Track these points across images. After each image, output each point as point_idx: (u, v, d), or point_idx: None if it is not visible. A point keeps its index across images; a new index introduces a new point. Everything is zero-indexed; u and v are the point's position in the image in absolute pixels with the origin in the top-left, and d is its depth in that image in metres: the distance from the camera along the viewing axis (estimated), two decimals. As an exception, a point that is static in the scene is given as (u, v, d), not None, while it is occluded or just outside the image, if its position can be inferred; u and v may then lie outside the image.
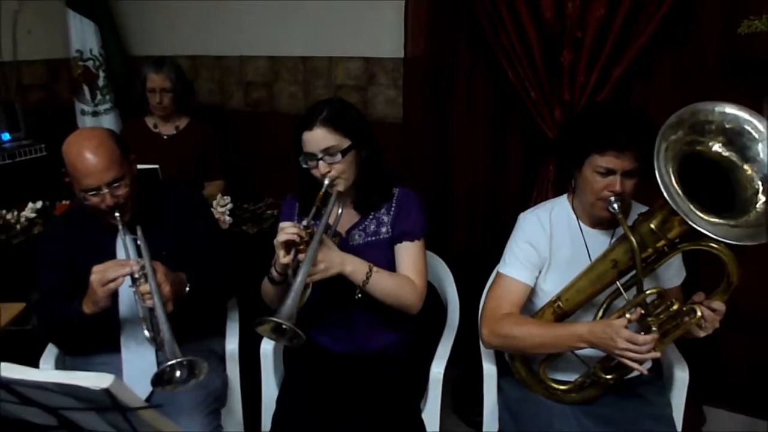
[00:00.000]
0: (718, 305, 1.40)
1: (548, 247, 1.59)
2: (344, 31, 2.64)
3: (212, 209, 2.19)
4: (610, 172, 1.44)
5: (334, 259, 1.54)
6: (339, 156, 1.58)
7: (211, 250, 1.76)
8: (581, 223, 1.59)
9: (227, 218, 2.28)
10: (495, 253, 1.70)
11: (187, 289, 1.62)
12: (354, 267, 1.58)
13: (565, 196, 1.65)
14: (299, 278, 1.42)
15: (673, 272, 1.58)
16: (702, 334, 1.43)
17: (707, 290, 1.42)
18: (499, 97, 2.31)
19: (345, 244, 1.68)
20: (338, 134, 1.58)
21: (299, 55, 2.81)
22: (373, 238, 1.70)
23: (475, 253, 2.32)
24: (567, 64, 2.04)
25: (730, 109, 1.32)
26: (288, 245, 1.48)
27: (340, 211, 1.65)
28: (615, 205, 1.43)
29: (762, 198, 1.29)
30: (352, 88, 2.67)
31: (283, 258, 1.49)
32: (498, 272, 1.65)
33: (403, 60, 2.45)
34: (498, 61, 2.17)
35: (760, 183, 1.30)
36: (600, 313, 1.50)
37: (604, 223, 1.55)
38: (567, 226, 1.60)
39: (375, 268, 1.59)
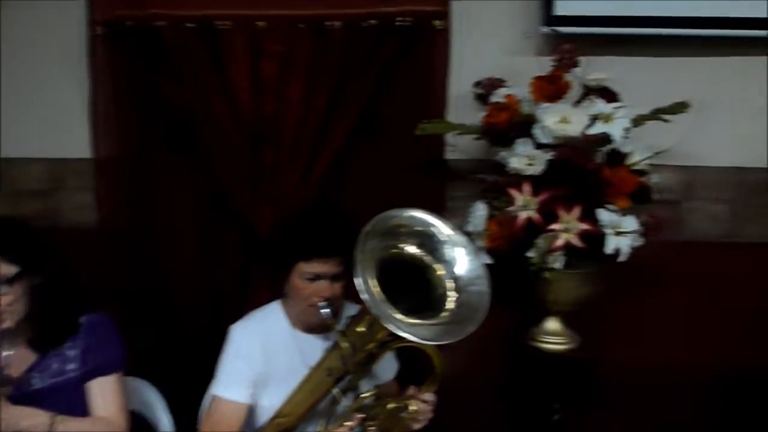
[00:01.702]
0: (429, 396, 1.47)
1: (263, 359, 1.51)
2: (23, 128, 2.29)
3: None
4: (318, 277, 1.43)
5: (3, 417, 1.25)
6: (4, 287, 1.31)
7: None
8: (296, 330, 1.55)
9: None
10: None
11: None
12: (31, 421, 1.32)
13: (278, 302, 1.60)
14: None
15: (385, 366, 1.62)
16: (417, 426, 1.47)
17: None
18: (207, 197, 2.20)
19: (22, 392, 1.38)
20: (2, 260, 1.32)
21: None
22: (58, 378, 1.44)
23: (194, 369, 2.12)
24: (270, 163, 2.04)
25: (418, 214, 1.42)
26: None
27: (9, 352, 1.36)
28: (326, 311, 1.42)
29: (452, 296, 1.39)
30: (32, 193, 2.31)
31: None
32: (212, 394, 1.51)
33: (93, 160, 2.20)
34: (201, 160, 2.09)
35: (449, 282, 1.40)
36: (323, 424, 1.45)
37: (319, 328, 1.53)
38: (281, 335, 1.55)
39: (59, 417, 1.35)
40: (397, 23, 2.00)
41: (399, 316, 1.30)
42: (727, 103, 2.09)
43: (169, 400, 1.78)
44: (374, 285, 1.29)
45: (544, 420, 2.00)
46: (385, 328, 1.34)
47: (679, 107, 1.81)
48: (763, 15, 1.99)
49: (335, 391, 1.43)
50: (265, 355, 1.51)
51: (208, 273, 2.23)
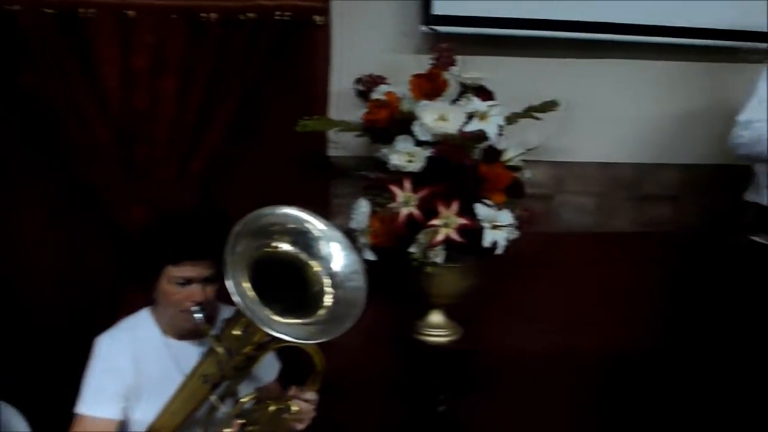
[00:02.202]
0: (311, 395, 1.44)
1: (133, 371, 1.42)
2: None
3: None
4: (189, 281, 1.37)
5: None
6: None
7: None
8: (168, 338, 1.48)
9: None
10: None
11: None
12: None
13: (148, 309, 1.51)
14: None
15: (266, 367, 1.58)
16: (300, 426, 1.45)
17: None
18: (74, 198, 2.04)
19: None
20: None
21: None
22: None
23: (61, 388, 1.96)
24: (142, 160, 1.93)
25: (291, 211, 1.39)
26: None
27: None
28: (199, 316, 1.36)
29: (330, 292, 1.37)
30: None
31: None
32: (76, 413, 1.40)
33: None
34: (64, 157, 1.94)
35: (326, 279, 1.38)
36: (200, 432, 1.39)
37: (192, 333, 1.47)
38: (152, 344, 1.46)
39: None
40: (276, 17, 1.94)
41: (275, 317, 1.27)
42: (594, 102, 2.22)
43: (34, 424, 1.64)
44: (247, 287, 1.25)
45: (430, 412, 2.03)
46: (262, 330, 1.30)
47: (550, 106, 1.90)
48: (628, 21, 2.14)
49: (212, 398, 1.38)
50: (135, 366, 1.42)
51: (73, 282, 2.07)
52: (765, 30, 2.20)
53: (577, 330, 2.28)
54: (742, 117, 1.89)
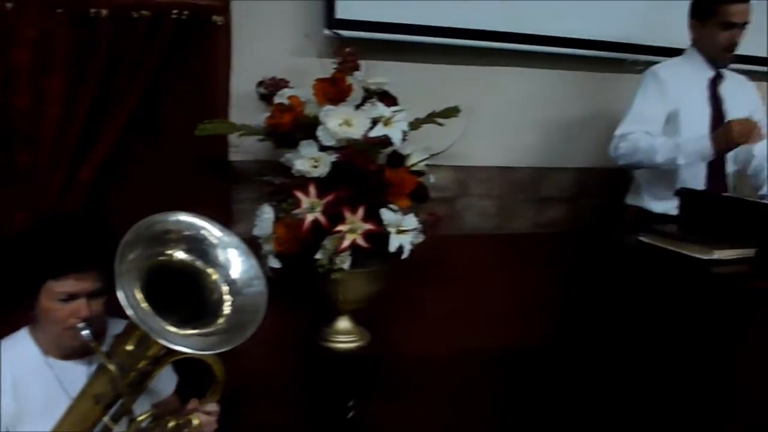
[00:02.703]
0: (213, 407, 1.39)
1: (12, 396, 1.30)
2: None
3: None
4: (72, 296, 1.27)
5: None
6: None
7: None
8: (50, 358, 1.36)
9: None
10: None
11: None
12: None
13: (26, 329, 1.39)
14: None
15: (163, 381, 1.50)
16: (199, 440, 1.39)
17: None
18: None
19: None
20: None
21: None
22: None
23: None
24: (24, 164, 1.78)
25: (186, 217, 1.33)
26: None
27: None
28: (86, 332, 1.27)
29: (228, 300, 1.32)
30: None
31: None
32: (-53, 445, 1.27)
33: None
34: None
35: (224, 286, 1.33)
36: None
37: (79, 352, 1.36)
38: (32, 366, 1.34)
39: None
40: (173, 16, 1.86)
41: (171, 328, 1.21)
42: (495, 108, 2.29)
43: None
44: (140, 298, 1.18)
45: (339, 419, 2.02)
46: (157, 343, 1.23)
47: (452, 112, 1.93)
48: (526, 31, 2.22)
49: (106, 419, 1.29)
50: (14, 392, 1.30)
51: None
52: (647, 44, 2.37)
53: (482, 329, 2.35)
54: (619, 131, 2.01)
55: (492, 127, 2.29)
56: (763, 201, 1.83)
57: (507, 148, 2.36)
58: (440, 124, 1.94)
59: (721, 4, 1.92)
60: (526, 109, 2.36)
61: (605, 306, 1.96)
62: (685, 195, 1.75)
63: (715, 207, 1.68)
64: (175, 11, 1.86)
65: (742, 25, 1.92)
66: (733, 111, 2.02)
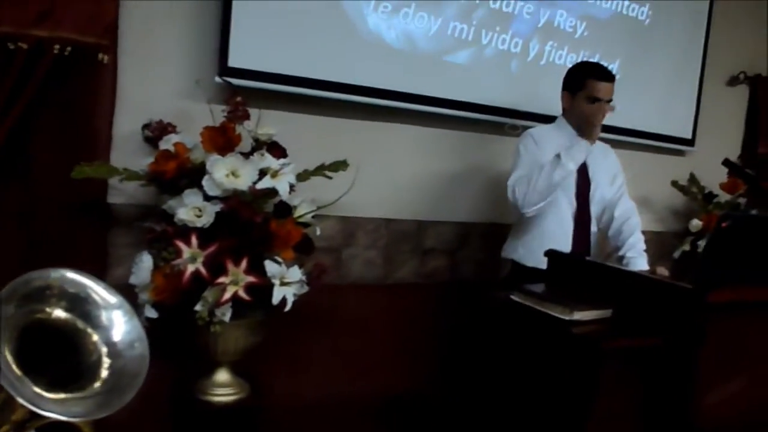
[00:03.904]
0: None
1: None
2: None
3: None
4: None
5: None
6: None
7: None
8: None
9: None
10: None
11: None
12: None
13: None
14: None
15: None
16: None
17: None
18: None
19: None
20: None
21: None
22: None
23: None
24: None
25: (70, 274, 1.27)
26: None
27: None
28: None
29: (107, 363, 1.26)
30: None
31: None
32: None
33: None
34: None
35: (104, 348, 1.27)
36: None
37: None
38: None
39: None
40: (55, 51, 1.79)
41: (41, 392, 1.13)
42: (382, 162, 2.37)
43: None
44: (9, 358, 1.10)
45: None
46: (24, 407, 1.15)
47: (340, 165, 1.98)
48: (413, 91, 2.33)
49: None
50: None
51: None
52: (525, 110, 2.56)
53: (365, 377, 2.37)
54: (511, 180, 2.14)
55: (379, 179, 2.36)
56: (618, 266, 2.02)
57: (393, 200, 2.44)
58: (329, 177, 1.98)
59: (589, 80, 2.12)
60: (412, 163, 2.46)
61: (480, 358, 2.04)
62: (552, 256, 1.89)
63: (577, 269, 1.83)
64: (56, 47, 1.79)
65: (607, 102, 2.13)
66: (598, 175, 2.22)
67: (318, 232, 1.96)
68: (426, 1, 2.33)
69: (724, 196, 3.06)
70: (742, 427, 1.64)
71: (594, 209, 2.23)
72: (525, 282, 1.82)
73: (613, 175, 2.29)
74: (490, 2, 2.46)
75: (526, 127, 2.37)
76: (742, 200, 3.05)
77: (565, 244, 2.16)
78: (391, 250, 2.46)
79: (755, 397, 1.64)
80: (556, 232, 2.17)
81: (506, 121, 2.54)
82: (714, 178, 3.01)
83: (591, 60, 2.63)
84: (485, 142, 2.57)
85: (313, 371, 2.29)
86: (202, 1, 2.04)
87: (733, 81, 3.39)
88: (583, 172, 2.19)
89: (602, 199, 2.24)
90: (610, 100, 2.13)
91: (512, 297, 1.71)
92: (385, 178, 2.38)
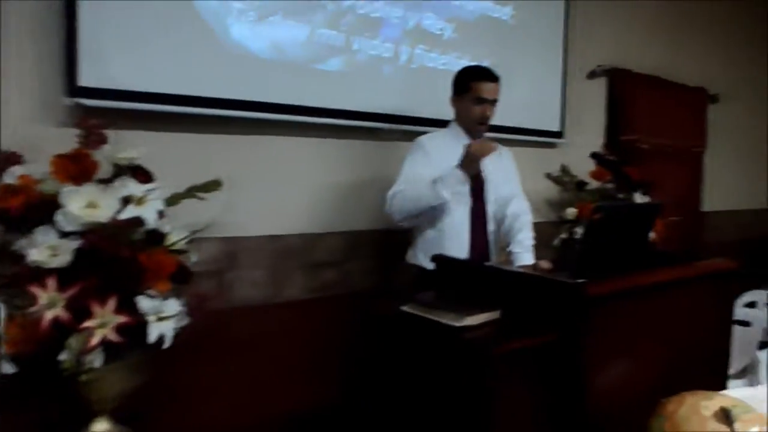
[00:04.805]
0: None
1: None
2: None
3: None
4: None
5: None
6: None
7: None
8: None
9: None
10: None
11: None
12: None
13: None
14: None
15: None
16: None
17: None
18: None
19: None
20: None
21: None
22: None
23: None
24: None
25: None
26: None
27: None
28: None
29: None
30: None
31: None
32: None
33: None
34: None
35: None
36: None
37: None
38: None
39: None
40: None
41: None
42: (263, 178, 2.27)
43: None
44: None
45: None
46: None
47: (213, 185, 1.85)
48: (274, 101, 2.24)
49: None
50: None
51: None
52: (400, 114, 2.56)
53: (266, 400, 2.26)
54: (391, 192, 2.13)
55: (261, 195, 2.27)
56: (502, 266, 2.05)
57: (277, 216, 2.35)
58: (201, 199, 1.86)
59: (474, 82, 2.16)
60: (297, 176, 2.39)
61: (380, 371, 2.01)
62: (439, 261, 1.88)
63: (465, 273, 1.84)
64: None
65: (492, 102, 2.17)
66: (493, 174, 2.26)
67: (194, 259, 1.83)
68: (293, 9, 2.26)
69: (594, 184, 3.23)
70: (631, 405, 1.72)
71: (490, 208, 2.27)
72: (430, 286, 1.82)
73: (507, 175, 2.34)
74: (358, 8, 2.43)
75: (408, 132, 2.37)
76: (609, 185, 3.24)
77: (463, 245, 2.19)
78: (278, 267, 2.37)
79: (637, 375, 1.72)
80: (453, 234, 2.19)
81: (382, 127, 2.53)
82: (584, 166, 3.17)
83: (461, 60, 2.68)
84: (373, 149, 2.55)
85: (212, 402, 2.16)
86: (46, 16, 1.85)
87: (592, 74, 3.60)
88: (477, 173, 2.22)
89: (497, 198, 2.29)
90: (496, 100, 2.18)
91: (403, 308, 1.68)
92: (268, 193, 2.29)
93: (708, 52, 4.43)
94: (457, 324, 1.54)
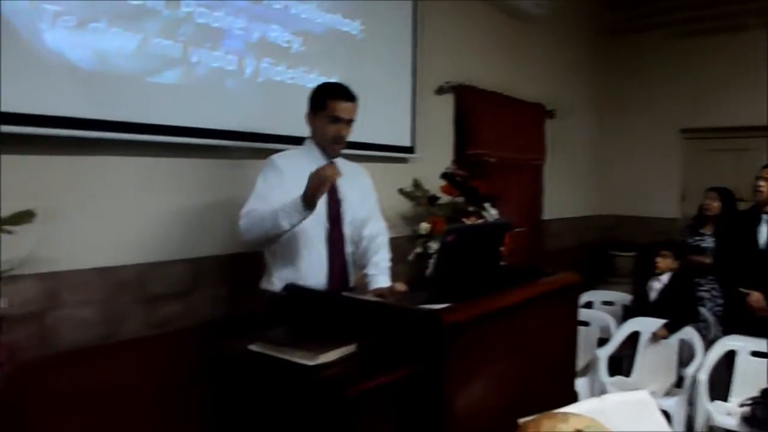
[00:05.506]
0: None
1: None
2: None
3: None
4: None
5: None
6: None
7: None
8: None
9: None
10: None
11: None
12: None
13: None
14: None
15: None
16: None
17: None
18: None
19: None
20: None
21: None
22: None
23: None
24: None
25: None
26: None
27: None
28: None
29: None
30: None
31: None
32: None
33: None
34: None
35: None
36: None
37: None
38: None
39: None
40: None
41: None
42: (88, 203, 2.01)
43: None
44: None
45: None
46: None
47: (24, 216, 1.61)
48: (99, 117, 2.00)
49: None
50: None
51: None
52: (248, 131, 2.41)
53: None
54: (243, 210, 1.98)
55: (88, 223, 2.01)
56: (356, 296, 1.97)
57: (107, 246, 2.09)
58: (9, 232, 1.59)
59: (330, 100, 2.06)
60: (127, 201, 2.14)
61: (231, 415, 1.84)
62: (292, 291, 1.76)
63: (318, 303, 1.73)
64: None
65: (348, 121, 2.09)
66: (349, 195, 2.16)
67: (3, 304, 1.56)
68: (120, 15, 2.03)
69: (446, 198, 3.28)
70: (491, 429, 1.71)
71: (347, 230, 2.17)
72: (286, 314, 1.68)
73: (363, 195, 2.26)
74: (197, 17, 2.25)
75: (260, 150, 2.23)
76: (460, 199, 3.31)
77: (321, 268, 2.07)
78: (111, 303, 2.10)
79: (495, 396, 1.72)
80: (309, 258, 2.06)
81: (231, 144, 2.36)
82: (436, 180, 3.21)
83: (309, 74, 2.60)
84: (219, 169, 2.36)
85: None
86: None
87: (440, 90, 3.67)
88: (333, 194, 2.12)
89: (354, 219, 2.19)
90: (352, 120, 2.10)
91: (251, 348, 1.54)
92: (95, 221, 2.03)
93: (544, 70, 4.73)
94: (310, 363, 1.43)
